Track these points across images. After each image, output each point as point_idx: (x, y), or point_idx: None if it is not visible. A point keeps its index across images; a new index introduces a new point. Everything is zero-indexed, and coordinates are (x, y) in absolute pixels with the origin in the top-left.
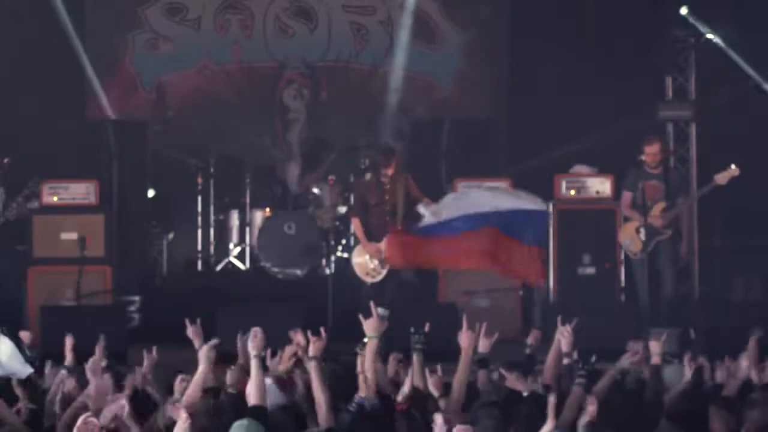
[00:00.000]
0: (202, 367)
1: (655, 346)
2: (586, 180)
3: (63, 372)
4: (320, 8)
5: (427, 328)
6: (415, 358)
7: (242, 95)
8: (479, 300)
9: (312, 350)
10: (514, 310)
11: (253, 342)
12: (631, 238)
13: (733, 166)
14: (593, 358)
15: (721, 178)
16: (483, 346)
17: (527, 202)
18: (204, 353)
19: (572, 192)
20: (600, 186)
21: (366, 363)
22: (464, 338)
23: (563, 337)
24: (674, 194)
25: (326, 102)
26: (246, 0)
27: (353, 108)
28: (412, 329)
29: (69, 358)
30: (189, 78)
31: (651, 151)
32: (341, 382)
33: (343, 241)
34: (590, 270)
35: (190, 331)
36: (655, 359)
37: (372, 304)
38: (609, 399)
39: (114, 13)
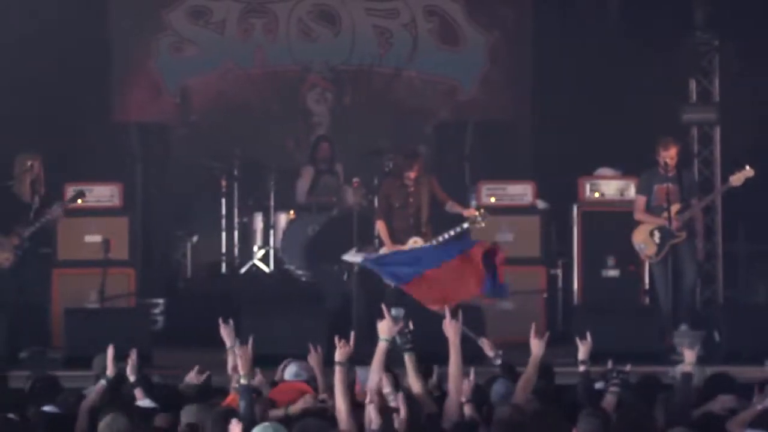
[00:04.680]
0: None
1: (689, 356)
2: (610, 182)
3: (102, 382)
4: (344, 12)
5: (411, 326)
6: (407, 359)
7: (266, 99)
8: (503, 303)
9: (338, 355)
10: (537, 312)
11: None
12: (645, 241)
13: (747, 167)
14: (627, 367)
15: (736, 179)
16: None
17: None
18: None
19: (596, 194)
20: (624, 188)
21: (373, 365)
22: (448, 328)
23: (581, 345)
24: (687, 196)
25: (350, 106)
26: (270, 4)
27: (377, 111)
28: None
29: (110, 368)
30: (213, 81)
31: (668, 155)
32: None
33: None
34: (614, 272)
35: (223, 331)
36: (687, 368)
37: (383, 306)
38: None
39: (138, 16)
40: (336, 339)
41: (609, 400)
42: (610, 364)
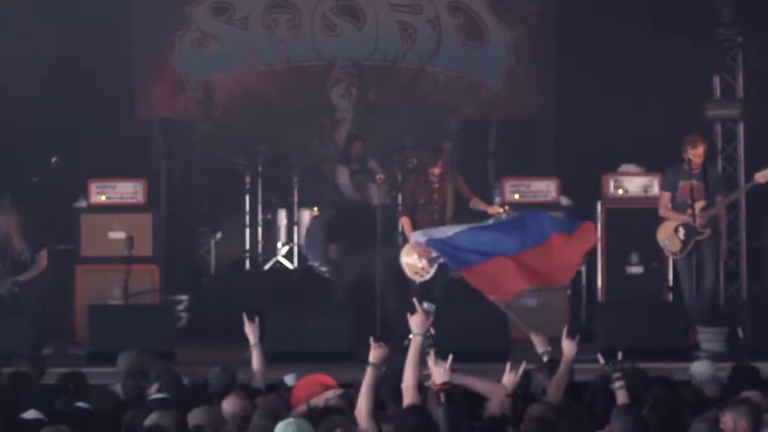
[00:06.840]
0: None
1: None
2: (633, 179)
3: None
4: (368, 7)
5: (432, 331)
6: (430, 362)
7: (290, 95)
8: (526, 299)
9: (373, 357)
10: (561, 309)
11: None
12: (669, 237)
13: None
14: (619, 356)
15: (761, 176)
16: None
17: None
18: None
19: (620, 191)
20: (648, 185)
21: (408, 361)
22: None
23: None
24: (712, 193)
25: (374, 101)
26: None
27: (401, 107)
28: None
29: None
30: (236, 77)
31: (696, 153)
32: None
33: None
34: (638, 269)
35: (247, 328)
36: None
37: (415, 300)
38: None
39: (161, 12)
40: (371, 340)
41: (621, 397)
42: (601, 359)
